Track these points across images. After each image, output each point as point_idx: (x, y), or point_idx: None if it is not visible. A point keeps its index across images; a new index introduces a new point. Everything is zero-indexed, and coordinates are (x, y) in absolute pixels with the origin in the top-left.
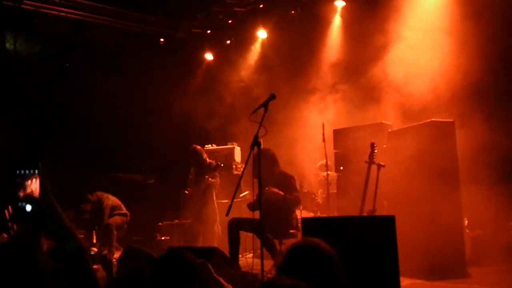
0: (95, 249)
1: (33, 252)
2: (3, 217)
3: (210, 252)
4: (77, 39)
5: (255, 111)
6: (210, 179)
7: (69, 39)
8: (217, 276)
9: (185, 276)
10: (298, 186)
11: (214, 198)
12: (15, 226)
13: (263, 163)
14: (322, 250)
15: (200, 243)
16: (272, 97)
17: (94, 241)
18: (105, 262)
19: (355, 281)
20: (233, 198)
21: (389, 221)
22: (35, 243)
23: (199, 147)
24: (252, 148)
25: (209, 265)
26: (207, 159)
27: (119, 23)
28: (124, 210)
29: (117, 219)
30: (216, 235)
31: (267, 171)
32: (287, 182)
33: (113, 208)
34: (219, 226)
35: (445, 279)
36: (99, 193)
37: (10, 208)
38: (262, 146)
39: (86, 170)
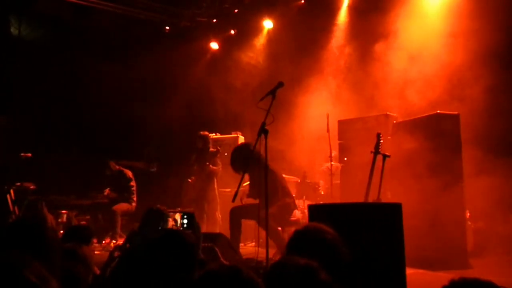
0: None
1: (42, 228)
2: (5, 201)
3: (216, 237)
4: (81, 24)
5: (263, 99)
6: (211, 166)
7: (72, 24)
8: (223, 260)
9: (184, 257)
10: (301, 177)
11: (216, 186)
12: (16, 210)
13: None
14: (324, 233)
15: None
16: (280, 84)
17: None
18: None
19: (360, 267)
20: (239, 186)
21: (396, 208)
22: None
23: (208, 133)
24: (259, 135)
25: (217, 249)
26: (211, 147)
27: (123, 9)
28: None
29: (123, 206)
30: (217, 222)
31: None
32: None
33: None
34: (220, 215)
35: (447, 270)
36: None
37: (12, 192)
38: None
39: (88, 157)
